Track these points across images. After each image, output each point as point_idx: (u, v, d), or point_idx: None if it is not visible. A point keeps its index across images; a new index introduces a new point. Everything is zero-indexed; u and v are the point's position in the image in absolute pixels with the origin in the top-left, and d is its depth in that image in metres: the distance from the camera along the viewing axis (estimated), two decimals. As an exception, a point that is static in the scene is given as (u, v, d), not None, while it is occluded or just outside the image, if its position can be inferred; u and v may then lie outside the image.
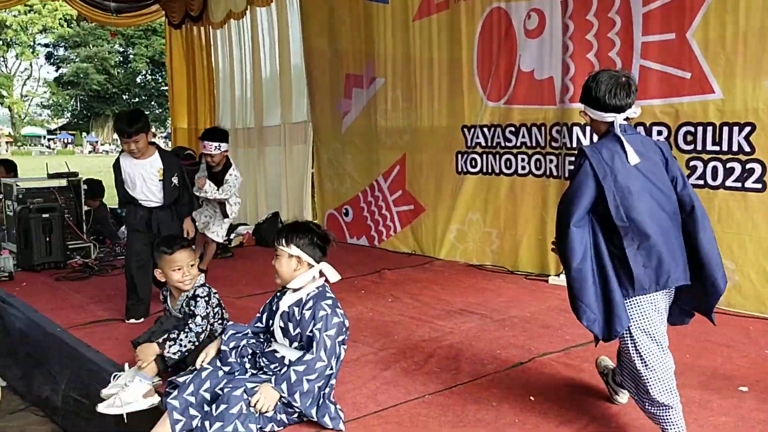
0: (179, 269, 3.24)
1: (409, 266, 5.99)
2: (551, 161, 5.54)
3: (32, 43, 52.25)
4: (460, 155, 6.25)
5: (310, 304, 2.73)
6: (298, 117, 8.09)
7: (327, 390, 2.70)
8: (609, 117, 2.54)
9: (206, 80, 9.64)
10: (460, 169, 6.26)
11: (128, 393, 2.94)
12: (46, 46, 54.24)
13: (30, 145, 54.04)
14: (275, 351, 2.80)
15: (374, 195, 7.14)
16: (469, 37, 6.09)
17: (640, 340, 2.42)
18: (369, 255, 6.68)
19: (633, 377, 2.52)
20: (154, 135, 4.16)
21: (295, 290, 2.80)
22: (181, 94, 9.92)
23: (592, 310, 2.42)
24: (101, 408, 2.94)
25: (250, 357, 2.82)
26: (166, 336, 3.06)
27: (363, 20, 7.09)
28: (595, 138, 2.68)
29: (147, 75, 54.96)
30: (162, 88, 55.26)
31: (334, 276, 2.83)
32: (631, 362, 2.46)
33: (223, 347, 2.83)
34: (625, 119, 2.54)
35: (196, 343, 3.08)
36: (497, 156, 5.94)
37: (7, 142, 53.97)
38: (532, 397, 2.97)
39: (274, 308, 2.86)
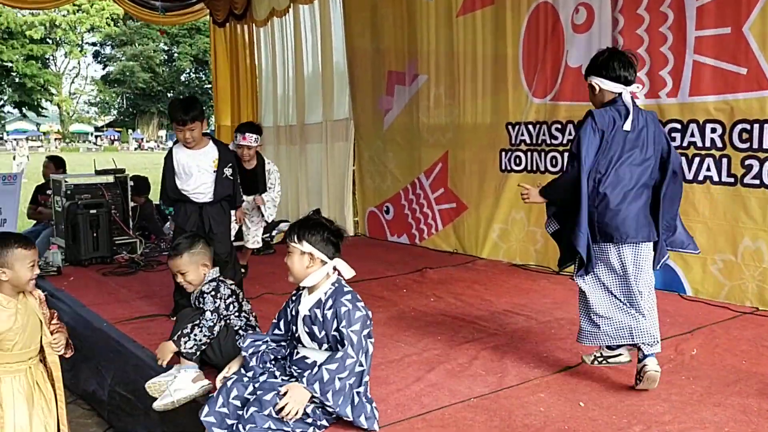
0: (181, 274, 3.28)
1: (451, 265, 5.92)
2: (599, 159, 5.39)
3: (80, 42, 53.67)
4: (503, 153, 6.15)
5: (330, 303, 2.65)
6: (340, 114, 8.08)
7: (361, 388, 2.62)
8: (618, 88, 2.96)
9: (249, 78, 9.71)
10: (503, 167, 6.16)
11: (177, 381, 2.94)
12: (94, 44, 55.68)
13: (78, 141, 55.48)
14: (305, 357, 2.72)
15: (416, 193, 7.09)
16: (514, 32, 5.98)
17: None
18: (410, 253, 6.63)
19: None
20: (209, 125, 4.10)
21: (310, 291, 2.73)
22: (224, 91, 10.01)
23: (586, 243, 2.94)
24: (157, 406, 2.94)
25: (273, 362, 2.78)
26: (179, 333, 3.07)
27: (406, 17, 7.03)
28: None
29: (191, 73, 55.94)
30: (206, 86, 56.20)
31: (348, 272, 2.73)
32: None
33: (243, 353, 2.80)
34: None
35: (212, 336, 3.10)
36: (542, 153, 5.82)
37: (56, 139, 55.52)
38: (581, 403, 2.88)
39: (292, 313, 2.78)
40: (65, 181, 6.08)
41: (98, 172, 6.45)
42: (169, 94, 56.20)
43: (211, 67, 10.35)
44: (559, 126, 5.66)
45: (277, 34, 9.10)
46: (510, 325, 4.05)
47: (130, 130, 58.09)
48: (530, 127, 5.90)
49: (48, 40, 49.32)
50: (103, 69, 56.36)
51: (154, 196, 7.28)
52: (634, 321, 2.96)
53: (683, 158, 4.76)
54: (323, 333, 2.64)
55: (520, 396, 2.97)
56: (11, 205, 5.91)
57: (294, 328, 2.77)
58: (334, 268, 2.73)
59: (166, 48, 54.89)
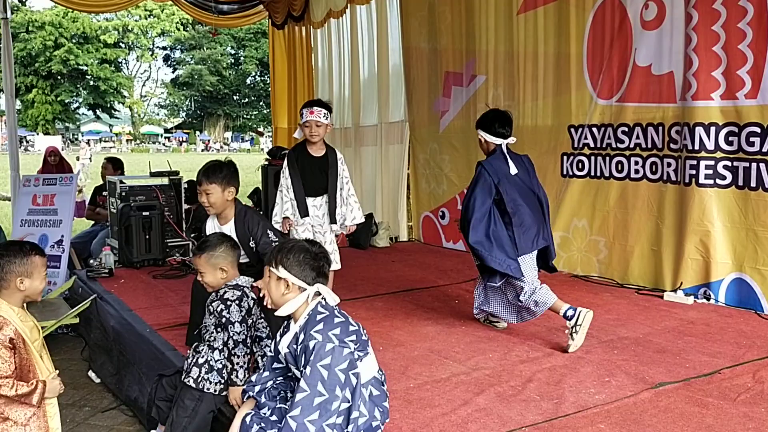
0: (200, 273, 3.09)
1: (508, 275, 5.63)
2: (669, 165, 5.02)
3: (151, 46, 55.50)
4: (565, 157, 5.82)
5: (302, 337, 2.36)
6: (395, 116, 7.91)
7: (351, 426, 2.30)
8: (498, 141, 4.06)
9: (306, 80, 9.66)
10: (565, 172, 5.83)
11: None
12: (164, 48, 57.49)
13: (148, 142, 57.31)
14: None
15: (472, 198, 6.81)
16: (578, 30, 5.66)
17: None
18: (465, 261, 6.36)
19: (508, 304, 4.01)
20: (236, 193, 3.58)
21: (287, 323, 2.48)
22: (282, 94, 10.00)
23: (503, 259, 3.80)
24: None
25: (281, 396, 2.55)
26: (227, 376, 2.93)
27: (464, 16, 6.79)
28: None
29: (256, 76, 56.98)
30: (270, 89, 57.19)
31: (332, 299, 2.42)
32: (516, 292, 3.90)
33: (250, 394, 2.59)
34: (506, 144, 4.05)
35: (248, 351, 2.94)
36: (607, 158, 5.48)
37: (127, 140, 57.52)
38: (645, 437, 2.60)
39: (278, 348, 2.53)
40: (120, 183, 6.11)
41: (153, 174, 6.47)
42: (235, 97, 57.44)
43: (270, 69, 10.36)
44: (626, 129, 5.31)
45: (334, 36, 9.01)
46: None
47: (197, 132, 59.62)
48: (594, 129, 5.56)
49: (121, 44, 51.20)
50: (173, 72, 58.09)
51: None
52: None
53: (762, 164, 4.42)
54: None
55: (578, 426, 2.70)
56: (67, 206, 5.97)
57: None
58: (317, 293, 2.44)
59: (232, 52, 56.14)
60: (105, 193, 6.40)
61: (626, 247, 5.37)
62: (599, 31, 5.51)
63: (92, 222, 7.31)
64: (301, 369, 2.32)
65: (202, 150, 52.67)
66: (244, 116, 58.88)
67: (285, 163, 4.56)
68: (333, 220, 4.50)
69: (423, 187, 7.56)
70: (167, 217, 6.16)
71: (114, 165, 7.07)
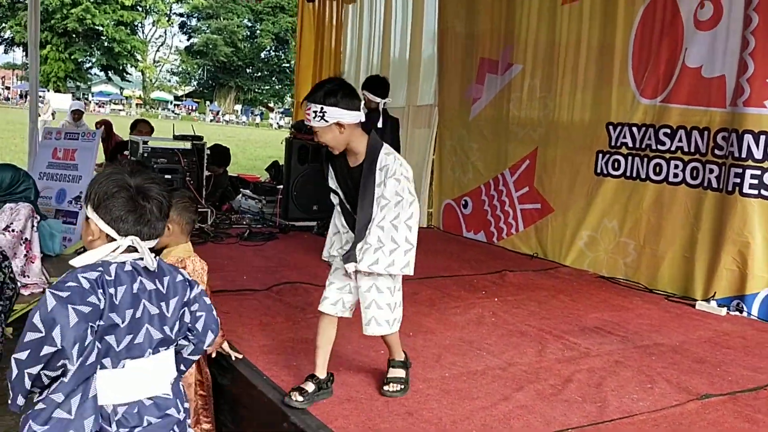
0: None
1: (532, 270, 5.52)
2: (711, 171, 4.88)
3: (168, 12, 55.01)
4: (601, 154, 5.68)
5: None
6: (424, 100, 7.74)
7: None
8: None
9: (333, 57, 9.47)
10: (599, 170, 5.69)
11: None
12: (181, 15, 57.03)
13: (158, 108, 56.97)
14: None
15: (498, 189, 6.69)
16: (626, 24, 5.49)
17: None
18: (487, 252, 6.26)
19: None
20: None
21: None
22: (307, 69, 9.80)
23: None
24: None
25: None
26: None
27: (505, 2, 6.62)
28: None
29: (271, 51, 56.56)
30: (284, 65, 56.79)
31: (150, 262, 1.76)
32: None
33: None
34: None
35: None
36: (645, 159, 5.33)
37: (137, 104, 57.21)
38: (697, 450, 2.48)
39: None
40: (143, 144, 5.97)
41: (176, 137, 6.32)
42: (248, 70, 57.04)
43: (297, 43, 10.15)
44: (669, 131, 5.16)
45: (366, 13, 8.82)
46: (604, 346, 3.64)
47: (207, 102, 59.26)
48: (634, 129, 5.41)
49: (138, 7, 50.74)
50: (188, 40, 57.67)
51: (246, 163, 7.12)
52: None
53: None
54: None
55: (624, 432, 2.59)
56: (88, 162, 5.83)
57: None
58: (132, 248, 1.77)
59: (249, 24, 55.68)
60: (126, 153, 6.26)
61: (657, 252, 5.24)
62: (648, 27, 5.35)
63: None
64: None
65: (211, 120, 52.31)
66: (256, 90, 58.50)
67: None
68: (347, 257, 2.69)
69: (447, 174, 7.41)
70: (188, 182, 6.02)
71: (150, 126, 6.91)
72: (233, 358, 3.04)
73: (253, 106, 60.60)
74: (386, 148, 2.67)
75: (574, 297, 4.70)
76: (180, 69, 60.65)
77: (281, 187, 7.08)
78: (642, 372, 3.27)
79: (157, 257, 1.84)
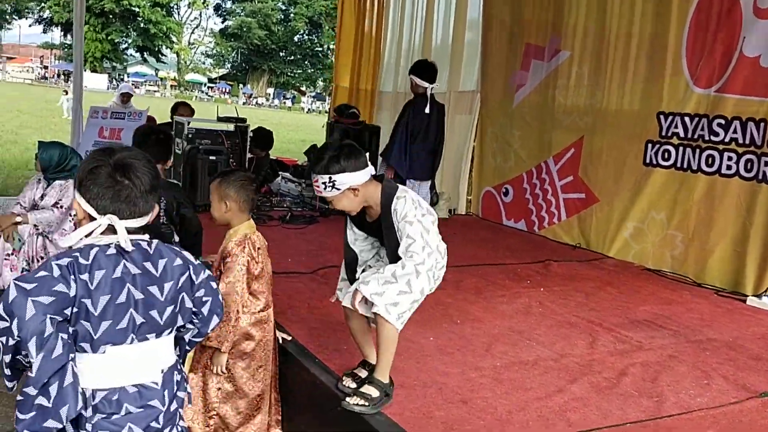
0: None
1: (576, 260, 5.44)
2: (767, 164, 4.74)
3: (204, -6, 55.30)
4: (650, 144, 5.55)
5: None
6: (466, 86, 7.65)
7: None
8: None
9: (373, 42, 9.38)
10: (648, 161, 5.56)
11: None
12: (217, -3, 57.23)
13: (192, 90, 57.48)
14: None
15: (540, 177, 6.59)
16: (681, 11, 5.34)
17: None
18: (528, 241, 6.19)
19: None
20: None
21: None
22: (347, 51, 9.74)
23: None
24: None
25: None
26: None
27: (554, -12, 6.49)
28: None
29: (304, 35, 56.61)
30: (316, 48, 56.80)
31: (125, 242, 1.65)
32: None
33: None
34: None
35: None
36: (697, 150, 5.19)
37: (171, 86, 57.77)
38: (761, 450, 2.42)
39: None
40: (188, 124, 6.00)
41: (220, 119, 6.34)
42: (281, 53, 57.18)
43: (337, 24, 10.10)
44: (723, 122, 5.01)
45: (410, -4, 8.72)
46: (656, 340, 3.57)
47: (240, 85, 59.62)
48: (687, 119, 5.27)
49: (174, -11, 51.13)
50: (222, 22, 58.07)
51: (279, 146, 7.13)
52: None
53: None
54: None
55: (684, 429, 2.53)
56: (134, 142, 5.88)
57: None
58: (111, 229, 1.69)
59: (283, 8, 55.74)
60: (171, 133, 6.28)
61: (706, 246, 5.12)
62: (704, 15, 5.19)
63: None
64: None
65: (243, 103, 52.64)
66: (288, 74, 58.67)
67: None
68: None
69: (488, 161, 7.33)
70: (231, 164, 6.05)
71: (190, 108, 6.96)
72: (281, 341, 3.05)
73: (285, 90, 60.81)
74: (400, 191, 2.45)
75: (622, 289, 4.62)
76: (214, 51, 61.09)
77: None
78: (697, 367, 3.19)
79: (155, 240, 1.75)
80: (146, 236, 1.76)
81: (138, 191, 1.68)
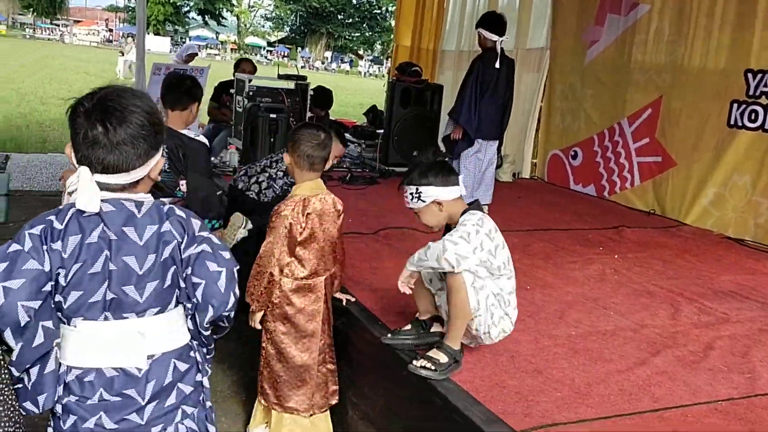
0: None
1: (651, 227, 5.15)
2: None
3: (264, -44, 55.15)
4: (735, 105, 5.15)
5: None
6: (535, 43, 7.30)
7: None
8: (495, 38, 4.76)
9: (437, 1, 9.06)
10: (732, 122, 5.18)
11: None
12: (277, -41, 57.05)
13: (251, 54, 57.81)
14: None
15: (613, 140, 6.25)
16: (777, -44, 4.89)
17: None
18: (598, 206, 5.90)
19: None
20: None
21: None
22: (408, 11, 9.43)
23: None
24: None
25: None
26: None
27: (633, -65, 6.05)
28: None
29: (363, -3, 55.91)
30: (375, 11, 56.09)
31: (87, 202, 1.40)
32: None
33: None
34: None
35: None
36: (790, 111, 4.79)
37: (232, 49, 58.21)
38: None
39: None
40: (248, 82, 5.90)
41: (281, 77, 6.22)
42: (339, 16, 56.74)
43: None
44: (821, 79, 4.60)
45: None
46: (743, 312, 3.31)
47: (299, 48, 59.58)
48: (779, 76, 4.86)
49: (235, -49, 51.14)
50: (282, -15, 57.76)
51: (337, 109, 7.00)
52: None
53: None
54: None
55: (782, 409, 2.31)
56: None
57: None
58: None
59: (343, -31, 55.12)
60: (232, 91, 6.22)
61: (795, 214, 4.76)
62: (804, -40, 4.74)
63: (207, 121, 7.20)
64: None
65: (302, 67, 52.61)
66: (346, 37, 58.24)
67: None
68: None
69: (556, 122, 7.01)
70: (291, 122, 5.93)
71: (253, 65, 6.86)
72: (344, 302, 2.94)
73: (342, 53, 60.46)
74: (481, 213, 2.39)
75: (701, 258, 4.33)
76: (273, 14, 61.09)
77: (381, 131, 6.92)
78: (792, 343, 2.94)
79: (151, 201, 1.48)
80: (139, 195, 1.46)
81: (112, 140, 1.39)
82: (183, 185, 3.32)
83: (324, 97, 6.67)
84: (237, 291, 1.55)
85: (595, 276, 3.74)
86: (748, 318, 3.23)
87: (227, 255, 1.54)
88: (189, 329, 1.58)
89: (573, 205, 5.87)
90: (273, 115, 5.57)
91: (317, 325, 2.67)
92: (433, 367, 2.32)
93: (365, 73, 53.71)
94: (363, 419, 2.66)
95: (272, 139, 5.57)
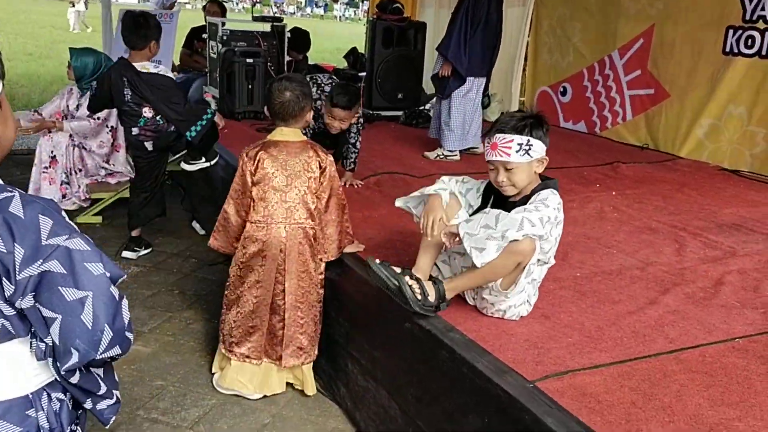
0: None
1: (646, 162, 5.01)
2: None
3: None
4: (731, 30, 4.97)
5: None
6: (519, -26, 6.99)
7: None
8: None
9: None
10: (728, 49, 5.00)
11: None
12: None
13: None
14: None
15: (603, 73, 6.06)
16: None
17: None
18: (590, 143, 5.75)
19: None
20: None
21: None
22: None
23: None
24: None
25: None
26: None
27: None
28: None
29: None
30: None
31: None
32: None
33: None
34: None
35: None
36: (788, 35, 4.62)
37: (202, -3, 56.39)
38: None
39: None
40: (222, 25, 5.60)
41: (255, 19, 5.92)
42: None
43: None
44: (821, -1, 4.41)
45: None
46: (750, 245, 3.21)
47: (272, -7, 57.79)
48: (777, -1, 4.67)
49: None
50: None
51: (313, 55, 6.75)
52: None
53: None
54: None
55: (801, 344, 2.22)
56: (168, 45, 5.52)
57: None
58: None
59: None
60: (205, 36, 5.90)
61: (793, 142, 4.64)
62: None
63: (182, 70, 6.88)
64: None
65: (274, 13, 51.10)
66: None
67: None
68: None
69: (544, 58, 6.78)
70: (269, 68, 5.66)
71: (221, 8, 6.51)
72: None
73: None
74: (557, 191, 2.26)
75: (701, 191, 4.22)
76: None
77: (363, 74, 6.66)
78: (802, 275, 2.85)
79: None
80: None
81: None
82: (146, 111, 3.71)
83: (302, 39, 6.38)
84: (123, 319, 1.14)
85: (594, 215, 3.62)
86: (755, 251, 3.13)
87: (98, 268, 1.09)
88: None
89: (564, 142, 5.70)
90: (250, 60, 5.31)
91: (272, 272, 2.60)
92: (419, 295, 2.16)
93: (341, 17, 52.37)
94: (364, 374, 2.55)
95: (250, 86, 5.32)
